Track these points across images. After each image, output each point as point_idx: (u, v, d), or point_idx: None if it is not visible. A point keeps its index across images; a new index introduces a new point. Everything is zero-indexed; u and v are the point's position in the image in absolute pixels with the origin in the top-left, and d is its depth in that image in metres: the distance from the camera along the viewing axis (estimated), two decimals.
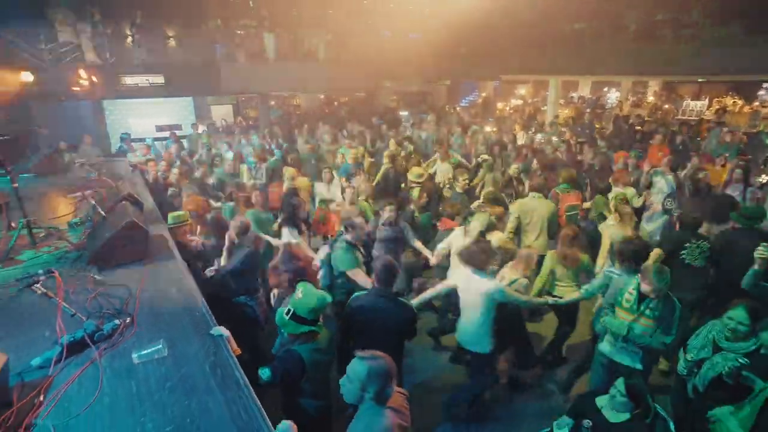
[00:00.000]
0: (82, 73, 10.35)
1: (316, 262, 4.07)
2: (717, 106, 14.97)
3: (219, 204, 5.87)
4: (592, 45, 13.01)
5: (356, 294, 3.06)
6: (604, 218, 5.16)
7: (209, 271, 3.92)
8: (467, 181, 5.97)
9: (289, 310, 2.40)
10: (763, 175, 6.15)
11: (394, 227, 4.59)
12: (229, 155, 7.97)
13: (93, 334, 2.24)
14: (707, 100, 16.48)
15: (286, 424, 1.70)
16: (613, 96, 18.77)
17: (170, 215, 4.27)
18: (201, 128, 11.69)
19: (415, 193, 5.94)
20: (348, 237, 3.87)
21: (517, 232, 5.15)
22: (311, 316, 2.38)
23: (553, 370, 4.37)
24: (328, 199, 6.20)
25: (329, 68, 13.75)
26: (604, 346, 3.25)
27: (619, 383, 2.57)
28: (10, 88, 9.07)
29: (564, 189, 5.61)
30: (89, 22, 10.99)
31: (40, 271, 2.46)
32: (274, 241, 4.94)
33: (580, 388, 3.87)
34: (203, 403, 1.89)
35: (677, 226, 4.32)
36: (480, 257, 3.40)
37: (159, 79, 11.66)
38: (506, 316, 3.63)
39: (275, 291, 3.78)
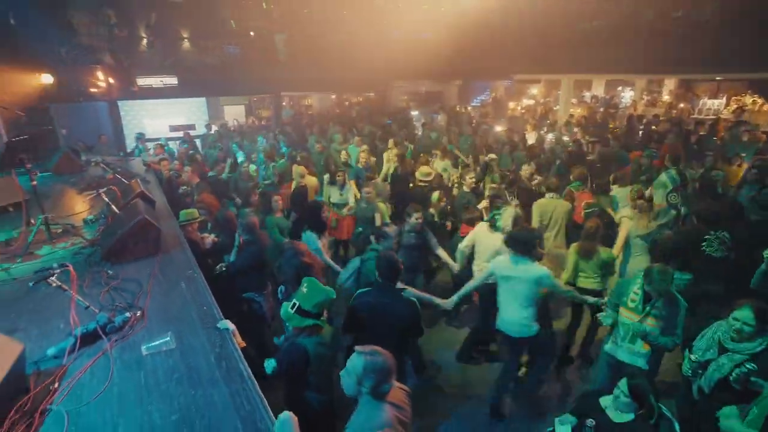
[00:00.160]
0: (99, 74, 10.62)
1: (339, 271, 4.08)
2: (735, 105, 14.61)
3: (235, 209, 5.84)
4: (607, 43, 12.81)
5: (361, 290, 3.09)
6: (607, 215, 5.17)
7: (219, 268, 4.00)
8: (474, 180, 5.95)
9: (294, 304, 2.45)
10: None
11: (420, 234, 4.47)
12: (240, 155, 8.09)
13: (105, 326, 2.33)
14: (725, 98, 16.09)
15: (287, 414, 1.74)
16: (627, 95, 18.46)
17: (181, 213, 4.37)
18: (214, 128, 11.89)
19: (435, 196, 5.90)
20: (379, 246, 3.84)
21: None
22: (315, 310, 2.44)
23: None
24: (341, 203, 6.10)
25: (341, 68, 13.81)
26: (610, 346, 3.24)
27: (623, 383, 2.55)
28: (31, 90, 9.37)
29: (577, 187, 5.69)
30: (106, 25, 11.27)
31: (55, 265, 2.56)
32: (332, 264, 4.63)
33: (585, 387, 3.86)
34: (208, 393, 1.96)
35: (684, 222, 4.29)
36: (529, 242, 3.46)
37: (173, 80, 11.88)
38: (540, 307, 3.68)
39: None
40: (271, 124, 14.06)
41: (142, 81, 11.58)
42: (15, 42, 9.18)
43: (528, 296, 3.44)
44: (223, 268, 3.98)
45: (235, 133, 11.75)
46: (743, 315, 2.52)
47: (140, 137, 10.26)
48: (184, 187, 6.00)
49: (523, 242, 3.47)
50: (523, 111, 17.31)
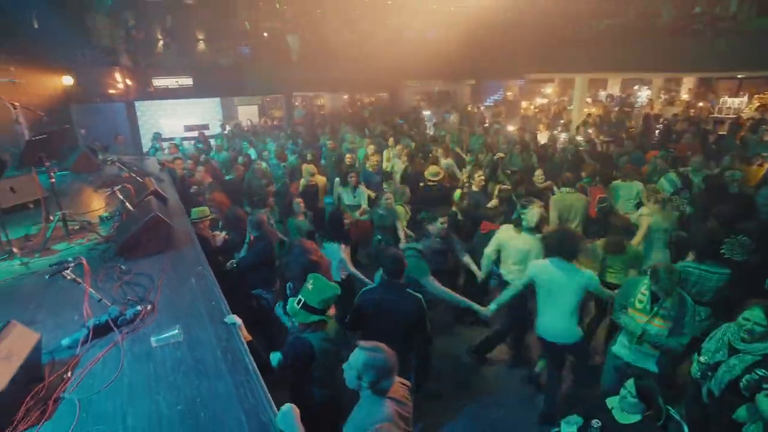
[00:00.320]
0: (117, 76, 10.88)
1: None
2: (758, 103, 14.19)
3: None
4: (623, 41, 12.57)
5: (366, 287, 3.12)
6: (613, 210, 5.17)
7: (230, 264, 4.08)
8: (483, 179, 5.92)
9: (300, 300, 2.49)
10: None
11: (446, 240, 4.33)
12: (252, 153, 8.18)
13: (116, 319, 2.40)
14: (746, 96, 15.64)
15: (289, 406, 1.77)
16: (643, 94, 18.08)
17: (193, 210, 4.47)
18: (227, 128, 12.08)
19: (457, 194, 5.85)
20: (419, 246, 3.83)
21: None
22: (321, 306, 2.47)
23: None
24: (354, 206, 6.07)
25: (353, 68, 13.88)
26: (618, 348, 3.19)
27: (630, 384, 2.52)
28: (53, 92, 9.66)
29: (589, 183, 5.74)
30: (124, 28, 11.54)
31: (70, 259, 2.65)
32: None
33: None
34: (213, 385, 2.00)
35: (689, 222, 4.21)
36: (572, 245, 3.33)
37: (188, 81, 12.11)
38: None
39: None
40: (284, 124, 14.21)
41: (158, 82, 11.83)
42: (38, 45, 9.49)
43: (572, 302, 3.31)
44: (234, 264, 4.07)
45: (248, 133, 11.91)
46: (754, 315, 2.47)
47: (157, 137, 10.52)
48: (196, 187, 6.13)
49: (571, 249, 3.29)
50: (536, 110, 17.13)
